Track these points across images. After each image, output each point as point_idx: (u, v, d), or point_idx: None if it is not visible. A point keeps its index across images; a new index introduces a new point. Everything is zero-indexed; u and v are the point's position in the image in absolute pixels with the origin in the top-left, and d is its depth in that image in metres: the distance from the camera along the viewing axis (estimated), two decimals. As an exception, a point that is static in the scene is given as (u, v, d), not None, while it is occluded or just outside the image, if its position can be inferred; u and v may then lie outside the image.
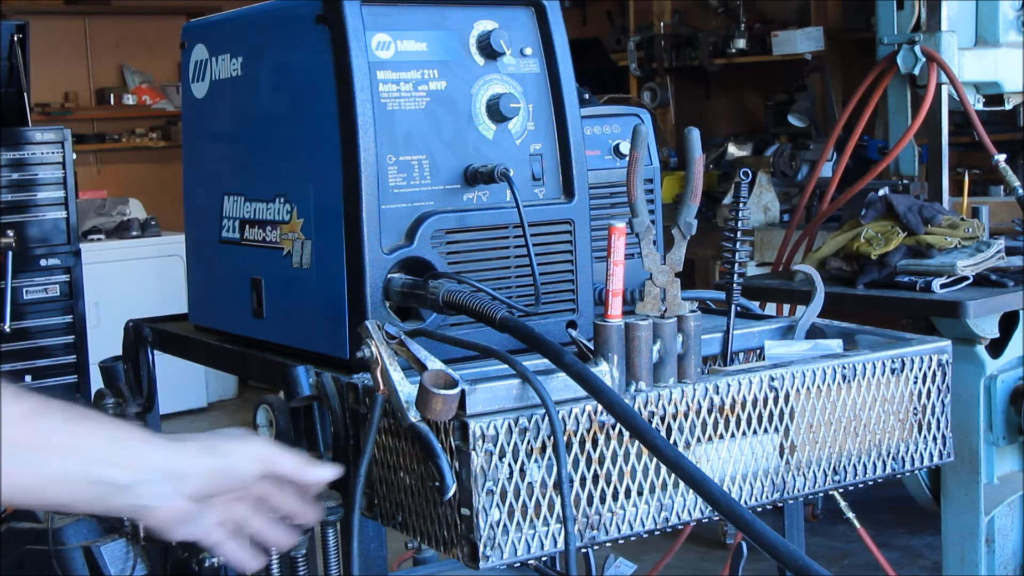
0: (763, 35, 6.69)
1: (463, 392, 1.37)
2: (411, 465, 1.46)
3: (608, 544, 1.48)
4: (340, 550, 1.61)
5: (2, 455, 1.20)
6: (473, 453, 1.37)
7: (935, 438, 1.71)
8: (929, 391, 1.70)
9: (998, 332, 3.13)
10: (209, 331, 1.98)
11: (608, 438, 1.46)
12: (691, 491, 1.48)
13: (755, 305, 2.02)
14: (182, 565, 2.09)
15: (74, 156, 4.49)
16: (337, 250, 1.61)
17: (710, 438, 1.54)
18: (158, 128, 9.46)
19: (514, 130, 1.71)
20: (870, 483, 1.68)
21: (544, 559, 1.64)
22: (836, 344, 1.73)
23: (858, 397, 1.65)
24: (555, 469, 1.38)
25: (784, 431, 1.59)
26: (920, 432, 1.70)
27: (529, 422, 1.40)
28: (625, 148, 2.00)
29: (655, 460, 1.48)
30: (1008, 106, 3.65)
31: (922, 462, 1.71)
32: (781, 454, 1.60)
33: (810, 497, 2.69)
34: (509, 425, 1.39)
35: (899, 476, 1.71)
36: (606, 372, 1.45)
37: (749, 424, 1.56)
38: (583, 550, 2.10)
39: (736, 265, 1.76)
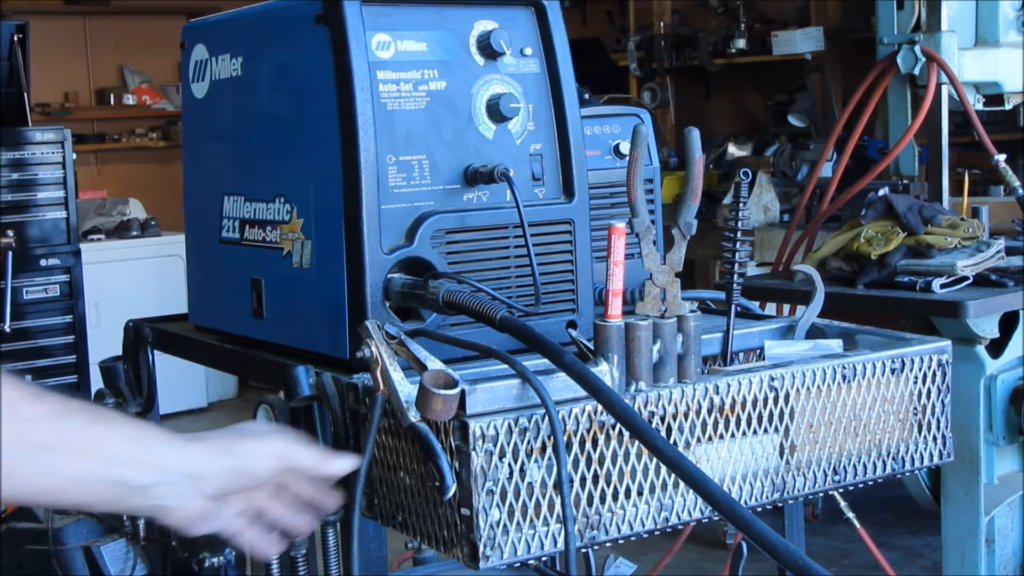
0: (763, 35, 6.69)
1: (463, 392, 1.37)
2: (411, 465, 1.46)
3: (608, 544, 1.48)
4: (340, 550, 1.62)
5: (23, 456, 1.21)
6: (473, 453, 1.37)
7: (935, 438, 1.71)
8: (929, 391, 1.70)
9: (998, 332, 3.13)
10: (209, 331, 1.98)
11: (608, 438, 1.46)
12: (691, 491, 1.48)
13: (755, 305, 2.02)
14: (182, 565, 2.09)
15: (74, 156, 4.50)
16: (337, 250, 1.61)
17: (710, 438, 1.54)
18: (158, 128, 9.46)
19: (514, 130, 1.71)
20: (870, 483, 1.68)
21: (544, 559, 1.64)
22: (836, 344, 1.73)
23: (858, 397, 1.65)
24: (555, 469, 1.38)
25: (784, 431, 1.59)
26: (920, 432, 1.70)
27: (529, 422, 1.40)
28: (625, 148, 2.00)
29: (655, 460, 1.48)
30: (1008, 106, 3.65)
31: (922, 462, 1.71)
32: (781, 454, 1.60)
33: (810, 497, 2.69)
34: (509, 425, 1.39)
35: (899, 476, 1.71)
36: (606, 372, 1.45)
37: (749, 424, 1.56)
38: (583, 550, 2.10)
39: (736, 265, 1.76)
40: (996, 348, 3.20)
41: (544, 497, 1.42)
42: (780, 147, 5.60)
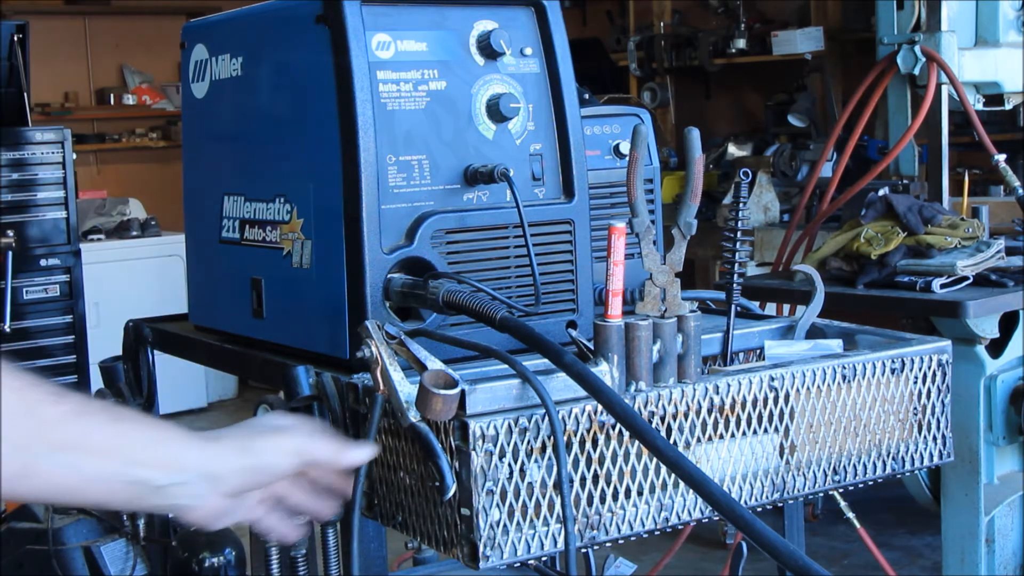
0: (763, 35, 6.69)
1: (463, 392, 1.37)
2: (411, 465, 1.46)
3: (608, 544, 1.48)
4: (340, 550, 1.61)
5: (44, 455, 1.22)
6: (473, 453, 1.37)
7: (935, 438, 1.71)
8: (929, 391, 1.70)
9: (998, 332, 3.13)
10: (209, 331, 1.98)
11: (608, 438, 1.46)
12: (691, 491, 1.48)
13: (755, 305, 2.02)
14: (182, 565, 2.09)
15: (74, 156, 4.50)
16: (337, 250, 1.61)
17: (710, 438, 1.54)
18: (158, 128, 9.47)
19: (514, 130, 1.71)
20: (870, 483, 1.68)
21: (544, 559, 1.64)
22: (836, 344, 1.73)
23: (858, 397, 1.65)
24: (555, 469, 1.38)
25: (784, 431, 1.59)
26: (920, 432, 1.70)
27: (529, 422, 1.40)
28: (625, 148, 2.00)
29: (655, 460, 1.48)
30: (1008, 106, 3.65)
31: (922, 462, 1.71)
32: (781, 454, 1.60)
33: (810, 497, 2.69)
34: (509, 425, 1.39)
35: (899, 476, 1.71)
36: (606, 372, 1.45)
37: (749, 424, 1.56)
38: (583, 550, 2.10)
39: (736, 265, 1.76)
40: (996, 348, 3.20)
41: (544, 497, 1.42)
42: (780, 147, 5.60)
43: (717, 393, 1.53)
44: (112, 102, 9.36)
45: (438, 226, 1.63)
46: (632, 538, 1.49)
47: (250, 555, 1.89)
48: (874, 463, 1.67)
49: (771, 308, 3.38)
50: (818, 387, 1.61)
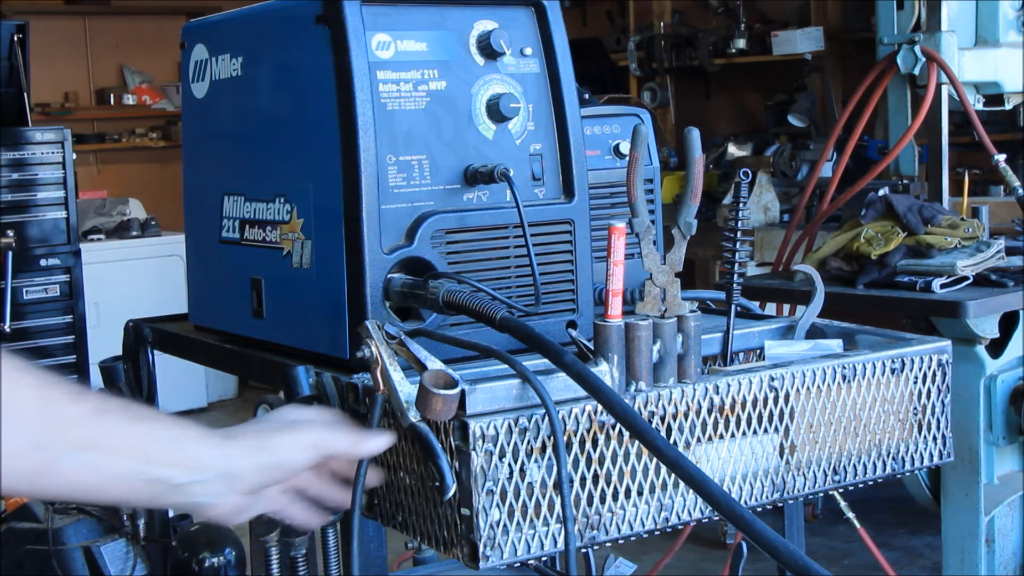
0: (763, 35, 6.69)
1: (463, 392, 1.37)
2: (411, 465, 1.46)
3: (608, 544, 1.48)
4: (340, 550, 1.62)
5: (64, 454, 1.23)
6: (473, 453, 1.37)
7: (935, 438, 1.71)
8: (929, 391, 1.70)
9: (998, 332, 3.13)
10: (209, 331, 1.98)
11: (608, 438, 1.46)
12: (691, 491, 1.48)
13: (755, 305, 2.01)
14: (182, 565, 2.09)
15: (74, 156, 4.50)
16: (337, 250, 1.61)
17: (710, 438, 1.54)
18: (158, 128, 9.47)
19: (514, 130, 1.71)
20: (870, 483, 1.68)
21: (544, 559, 1.64)
22: (836, 344, 1.73)
23: (858, 397, 1.65)
24: (555, 469, 1.38)
25: (784, 431, 1.59)
26: (920, 432, 1.70)
27: (529, 422, 1.40)
28: (625, 148, 2.00)
29: (655, 460, 1.48)
30: (1008, 106, 3.65)
31: (922, 462, 1.71)
32: (781, 454, 1.60)
33: (810, 497, 2.69)
34: (509, 425, 1.39)
35: (899, 476, 1.71)
36: (606, 372, 1.45)
37: (749, 424, 1.56)
38: (583, 550, 2.10)
39: (736, 265, 1.76)
40: (996, 348, 3.20)
41: (544, 497, 1.42)
42: (780, 147, 5.61)
43: (717, 393, 1.53)
44: (112, 102, 9.37)
45: (438, 226, 1.63)
46: (632, 538, 1.49)
47: (250, 555, 1.89)
48: (874, 463, 1.67)
49: (771, 308, 3.38)
50: (818, 387, 1.61)
